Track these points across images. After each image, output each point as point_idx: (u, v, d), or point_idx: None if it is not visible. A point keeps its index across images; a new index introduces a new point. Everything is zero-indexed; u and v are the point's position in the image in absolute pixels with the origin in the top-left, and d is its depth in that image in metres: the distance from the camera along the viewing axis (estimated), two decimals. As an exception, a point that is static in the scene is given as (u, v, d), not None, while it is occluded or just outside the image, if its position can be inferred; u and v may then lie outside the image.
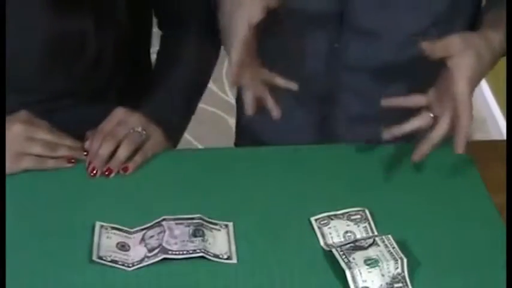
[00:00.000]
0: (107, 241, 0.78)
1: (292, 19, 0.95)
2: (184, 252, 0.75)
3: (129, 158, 0.89)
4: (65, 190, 0.86)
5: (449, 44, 0.81)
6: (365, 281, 0.72)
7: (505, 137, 0.90)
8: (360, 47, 0.96)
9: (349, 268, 0.73)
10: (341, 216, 0.82)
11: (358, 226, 0.81)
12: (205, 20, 1.01)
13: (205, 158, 0.94)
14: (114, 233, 0.79)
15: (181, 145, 1.04)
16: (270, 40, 0.98)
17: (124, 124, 0.91)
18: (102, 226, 0.79)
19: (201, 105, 1.07)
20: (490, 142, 0.82)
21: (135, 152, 0.90)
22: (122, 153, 0.88)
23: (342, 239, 0.79)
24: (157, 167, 0.91)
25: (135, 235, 0.79)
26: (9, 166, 0.85)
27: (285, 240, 0.79)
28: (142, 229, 0.80)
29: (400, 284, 0.73)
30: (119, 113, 0.92)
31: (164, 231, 0.77)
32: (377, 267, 0.73)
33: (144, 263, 0.75)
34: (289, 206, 0.85)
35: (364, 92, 1.01)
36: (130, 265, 0.75)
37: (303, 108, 1.04)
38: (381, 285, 0.72)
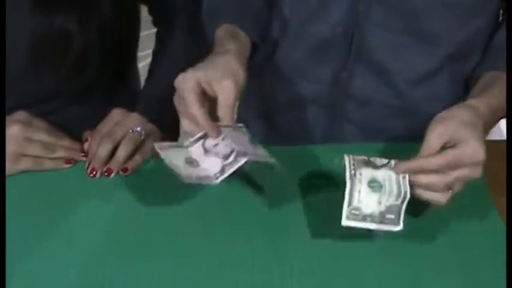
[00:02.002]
0: (176, 161, 0.74)
1: (300, 41, 0.95)
2: (260, 155, 0.71)
3: (129, 158, 0.89)
4: (65, 190, 0.86)
5: (434, 142, 0.73)
6: (360, 201, 0.69)
7: (505, 137, 0.90)
8: (366, 79, 0.94)
9: (352, 183, 0.69)
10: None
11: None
12: (197, 16, 1.02)
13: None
14: (175, 151, 0.75)
15: (180, 145, 1.04)
16: (277, 58, 0.98)
17: (122, 125, 0.91)
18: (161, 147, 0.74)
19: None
20: (490, 142, 0.81)
21: (134, 152, 0.90)
22: (121, 153, 0.88)
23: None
24: (157, 167, 0.91)
25: (192, 149, 0.75)
26: (7, 167, 0.85)
27: (285, 240, 0.79)
28: (196, 140, 0.76)
29: (392, 216, 0.69)
30: (116, 113, 0.92)
31: (227, 137, 0.73)
32: (377, 193, 0.70)
33: (228, 173, 0.71)
34: (289, 206, 0.84)
35: (366, 124, 1.00)
36: (215, 179, 0.71)
37: (303, 128, 1.03)
38: (373, 212, 0.69)
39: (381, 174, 0.71)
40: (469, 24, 0.90)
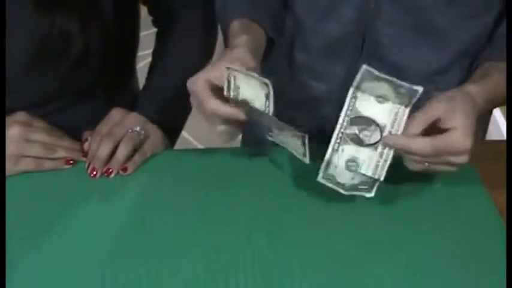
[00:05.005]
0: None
1: (313, 40, 0.95)
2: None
3: (128, 158, 0.89)
4: (65, 190, 0.86)
5: (433, 114, 0.75)
6: (336, 172, 0.71)
7: (505, 137, 0.90)
8: None
9: (331, 156, 0.72)
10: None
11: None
12: (198, 15, 1.01)
13: (205, 158, 0.94)
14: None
15: (180, 145, 1.04)
16: (289, 57, 0.98)
17: (121, 125, 0.91)
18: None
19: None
20: (490, 142, 0.81)
21: (134, 152, 0.90)
22: (121, 153, 0.88)
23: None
24: (157, 167, 0.91)
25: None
26: (7, 168, 0.85)
27: (285, 240, 0.79)
28: None
29: (365, 186, 0.72)
30: (116, 113, 0.92)
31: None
32: (353, 172, 0.71)
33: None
34: (290, 205, 0.85)
35: None
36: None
37: (315, 126, 1.03)
38: (345, 183, 0.71)
39: (362, 156, 0.73)
40: (476, 21, 0.90)
